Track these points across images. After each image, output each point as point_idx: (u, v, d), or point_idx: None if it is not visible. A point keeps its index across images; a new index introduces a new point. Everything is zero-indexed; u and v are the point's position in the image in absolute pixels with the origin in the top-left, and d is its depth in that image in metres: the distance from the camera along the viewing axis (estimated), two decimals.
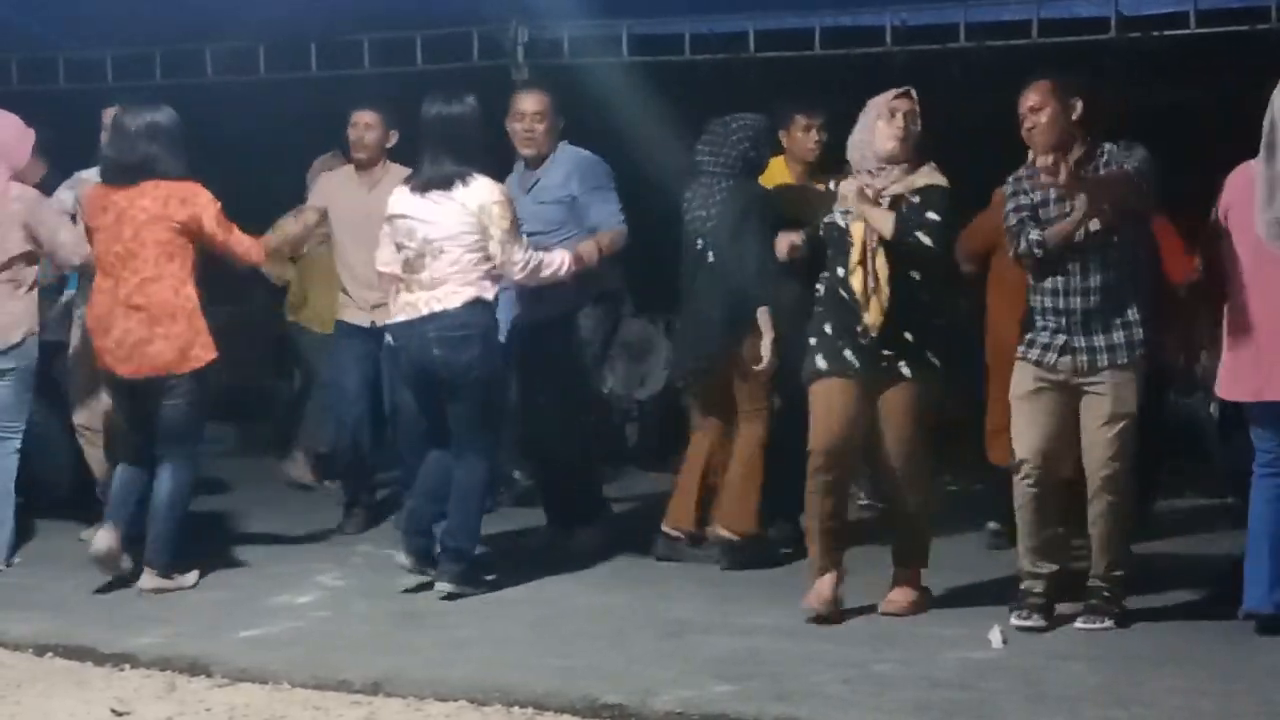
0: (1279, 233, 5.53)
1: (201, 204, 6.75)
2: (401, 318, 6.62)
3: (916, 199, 6.08)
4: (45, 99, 9.37)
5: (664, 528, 7.25)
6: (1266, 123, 5.58)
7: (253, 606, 6.46)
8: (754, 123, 7.18)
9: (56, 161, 7.91)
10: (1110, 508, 5.92)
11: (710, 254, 7.04)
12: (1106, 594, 6.00)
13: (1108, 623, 5.94)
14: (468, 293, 6.51)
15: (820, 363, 6.16)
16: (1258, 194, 5.58)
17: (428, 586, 6.57)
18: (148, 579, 6.72)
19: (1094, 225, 5.86)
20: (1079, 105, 5.97)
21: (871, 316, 6.00)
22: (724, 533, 7.05)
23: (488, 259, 6.54)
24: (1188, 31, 8.36)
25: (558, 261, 6.78)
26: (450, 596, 6.48)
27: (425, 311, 6.52)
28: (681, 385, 9.62)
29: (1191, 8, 8.30)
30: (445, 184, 6.54)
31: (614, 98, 8.73)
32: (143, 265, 6.69)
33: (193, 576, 6.87)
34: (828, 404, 6.12)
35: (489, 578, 6.67)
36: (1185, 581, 6.66)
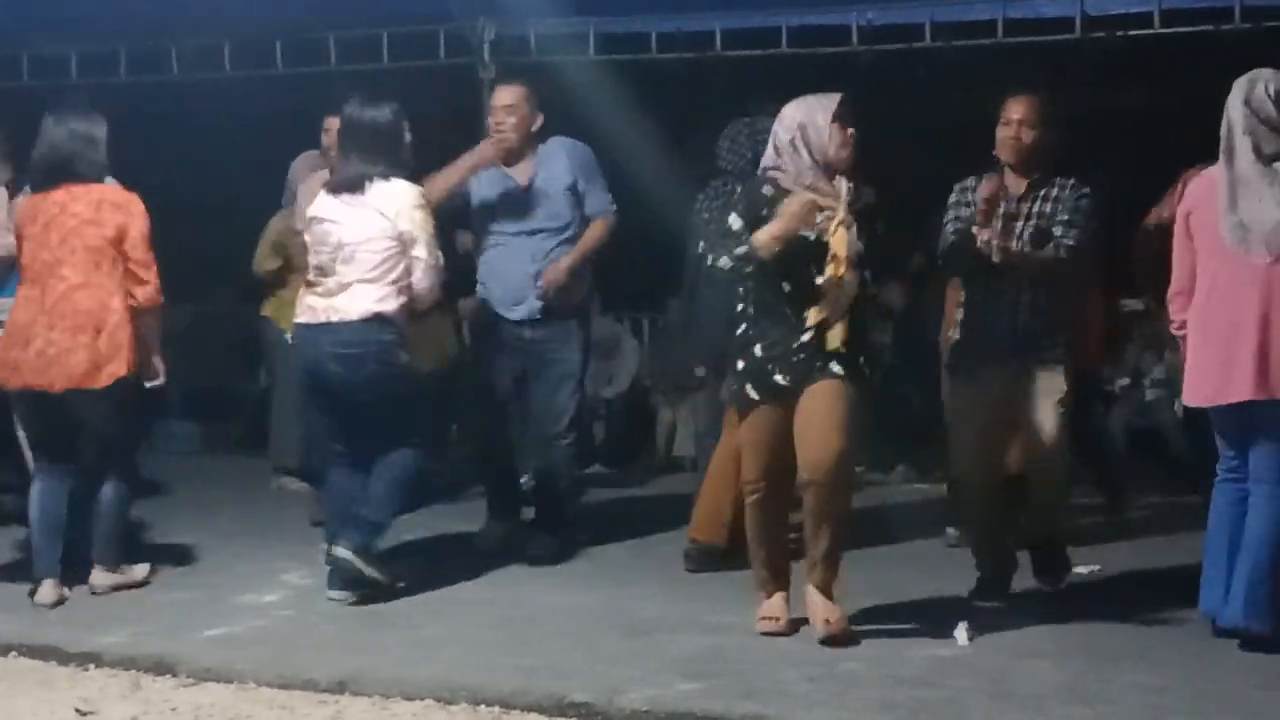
0: (1243, 236, 5.56)
1: (133, 214, 6.56)
2: (303, 320, 6.50)
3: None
4: (8, 96, 9.32)
5: (693, 536, 7.10)
6: (1224, 127, 5.64)
7: (218, 606, 6.44)
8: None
9: (20, 161, 7.87)
10: (1046, 483, 6.41)
11: (710, 257, 6.95)
12: (1053, 557, 6.55)
13: (1059, 582, 6.53)
14: (366, 306, 6.34)
15: (751, 391, 5.82)
16: (1220, 198, 5.61)
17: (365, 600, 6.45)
18: (99, 577, 6.64)
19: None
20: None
21: (837, 334, 5.71)
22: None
23: (397, 268, 6.39)
24: (1152, 31, 8.41)
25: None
26: (338, 564, 6.35)
27: (323, 319, 6.39)
28: (660, 388, 9.66)
29: (1156, 8, 8.34)
30: (355, 186, 6.42)
31: (581, 96, 8.72)
32: (70, 273, 6.45)
33: (143, 569, 6.82)
34: (759, 433, 5.85)
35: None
36: (1150, 579, 6.72)
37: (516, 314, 7.22)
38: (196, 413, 11.13)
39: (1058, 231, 6.20)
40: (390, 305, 6.39)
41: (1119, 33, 8.54)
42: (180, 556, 7.29)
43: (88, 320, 6.43)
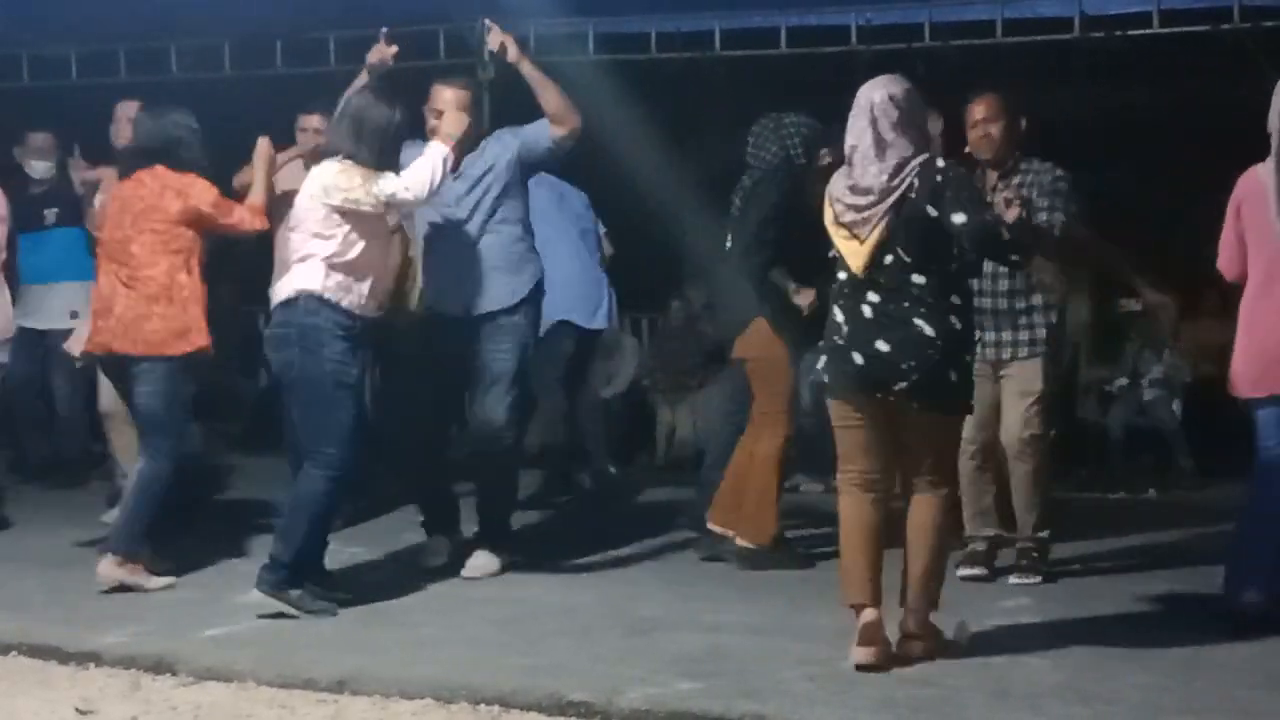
0: None
1: (195, 193, 6.78)
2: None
3: None
4: (9, 96, 9.34)
5: (711, 525, 7.07)
6: (1272, 122, 5.63)
7: (218, 605, 6.44)
8: (803, 123, 6.97)
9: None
10: (1026, 474, 6.54)
11: (729, 246, 7.00)
12: (1034, 553, 6.63)
13: (1037, 579, 6.56)
14: (292, 286, 6.25)
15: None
16: (1271, 194, 5.62)
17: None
18: (104, 566, 6.64)
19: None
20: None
21: None
22: (742, 542, 6.97)
23: (331, 246, 6.20)
24: (1151, 31, 8.41)
25: (434, 155, 6.37)
26: (269, 613, 6.21)
27: (273, 303, 6.45)
28: (660, 388, 9.68)
29: (1155, 7, 8.35)
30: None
31: (580, 96, 8.71)
32: (139, 251, 6.73)
33: (159, 581, 6.74)
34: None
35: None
36: (1147, 578, 6.71)
37: (453, 310, 6.90)
38: (196, 413, 11.13)
39: (1042, 217, 6.31)
40: (314, 284, 6.20)
41: (1118, 32, 8.55)
42: (180, 556, 7.28)
43: (161, 292, 6.72)
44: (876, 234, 5.39)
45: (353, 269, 6.26)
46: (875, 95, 5.48)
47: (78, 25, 9.60)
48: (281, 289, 6.36)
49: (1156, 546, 7.44)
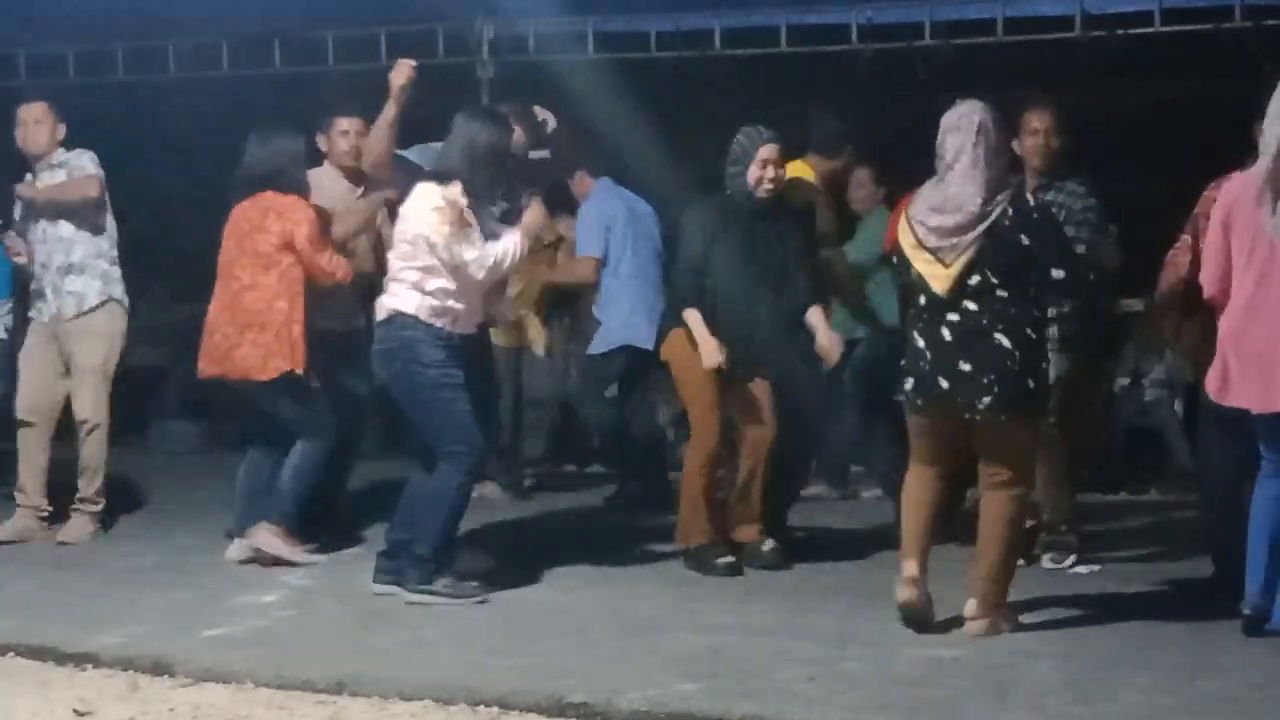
0: None
1: (295, 220, 6.97)
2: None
3: None
4: (6, 95, 9.31)
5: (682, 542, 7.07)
6: (1271, 126, 5.53)
7: (216, 605, 6.43)
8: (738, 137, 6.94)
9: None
10: (1050, 464, 6.60)
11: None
12: (1065, 534, 6.84)
13: (1072, 558, 6.81)
14: (391, 305, 6.42)
15: None
16: (1266, 198, 5.49)
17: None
18: (264, 536, 6.98)
19: None
20: (1067, 138, 6.81)
21: None
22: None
23: (419, 269, 6.36)
24: (1152, 30, 8.40)
25: (510, 245, 6.52)
26: (415, 602, 6.38)
27: (376, 320, 6.57)
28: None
29: (1156, 6, 8.34)
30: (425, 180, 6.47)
31: (579, 95, 8.72)
32: (243, 274, 6.99)
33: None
34: None
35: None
36: (1149, 578, 6.70)
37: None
38: (196, 412, 11.13)
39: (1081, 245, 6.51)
40: (409, 305, 6.37)
41: (1119, 31, 8.54)
42: (179, 556, 7.28)
43: (254, 319, 6.98)
44: (965, 259, 5.63)
45: (445, 293, 6.40)
46: (977, 117, 5.72)
47: (75, 24, 9.57)
48: (380, 307, 6.49)
49: (1158, 547, 7.42)
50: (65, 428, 7.84)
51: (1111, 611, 6.14)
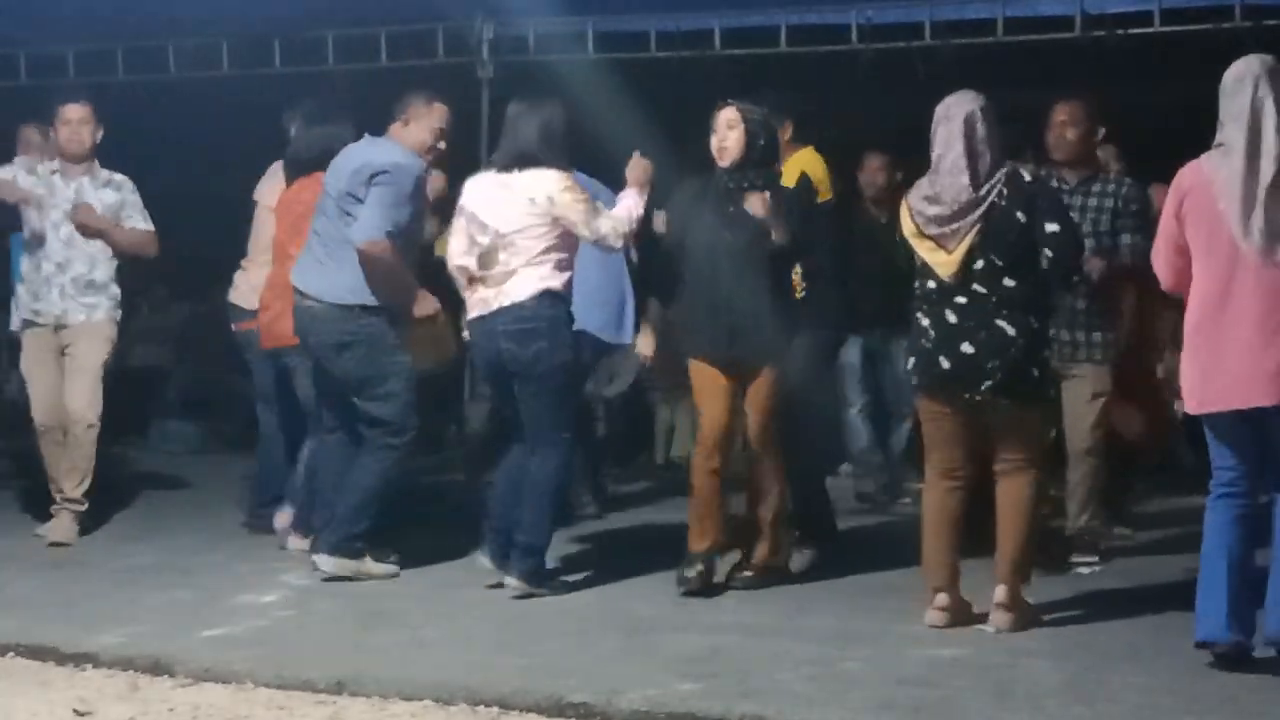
0: (1269, 238, 5.22)
1: None
2: (475, 314, 6.62)
3: None
4: (6, 95, 9.33)
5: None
6: (1248, 120, 5.30)
7: (216, 606, 6.43)
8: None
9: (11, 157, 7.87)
10: (1094, 468, 6.86)
11: None
12: (1090, 537, 6.96)
13: (1095, 557, 6.92)
14: (536, 285, 6.46)
15: None
16: (1233, 196, 5.26)
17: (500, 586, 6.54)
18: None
19: None
20: (1102, 130, 6.98)
21: None
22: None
23: (556, 249, 6.49)
24: (1152, 30, 8.41)
25: (631, 205, 6.65)
26: (523, 596, 6.44)
27: (495, 306, 6.51)
28: (659, 387, 9.67)
29: (1156, 6, 8.36)
30: (507, 169, 6.55)
31: (579, 95, 8.71)
32: (296, 253, 7.02)
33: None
34: None
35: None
36: (1150, 580, 6.71)
37: None
38: (196, 412, 11.14)
39: (1124, 240, 6.78)
40: (557, 283, 6.50)
41: (1118, 31, 8.55)
42: (179, 556, 7.28)
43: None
44: (966, 243, 5.75)
45: (571, 266, 6.58)
46: (967, 108, 5.84)
47: (76, 23, 9.58)
48: (516, 291, 6.46)
49: (1158, 548, 7.43)
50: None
51: (1111, 611, 6.15)
